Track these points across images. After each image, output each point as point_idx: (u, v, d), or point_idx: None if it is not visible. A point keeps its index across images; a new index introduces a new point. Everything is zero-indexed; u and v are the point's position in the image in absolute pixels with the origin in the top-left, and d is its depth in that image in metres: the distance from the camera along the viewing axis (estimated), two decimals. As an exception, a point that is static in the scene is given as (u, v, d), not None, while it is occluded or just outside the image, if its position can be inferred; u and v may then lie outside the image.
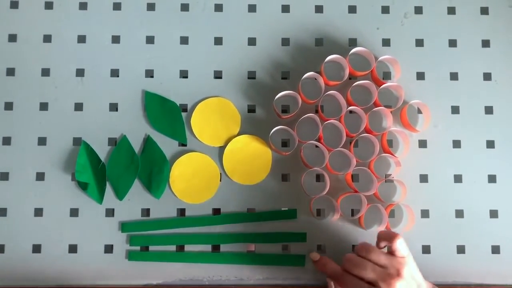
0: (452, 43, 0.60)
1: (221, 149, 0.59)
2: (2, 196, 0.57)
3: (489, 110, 0.60)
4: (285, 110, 0.60)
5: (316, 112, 0.59)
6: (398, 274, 0.48)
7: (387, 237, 0.51)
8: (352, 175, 0.57)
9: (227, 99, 0.59)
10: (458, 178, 0.59)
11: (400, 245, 0.50)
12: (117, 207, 0.58)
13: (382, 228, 0.57)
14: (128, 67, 0.60)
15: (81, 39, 0.60)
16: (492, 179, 0.59)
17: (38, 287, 0.56)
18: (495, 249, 0.58)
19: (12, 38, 0.60)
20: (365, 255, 0.50)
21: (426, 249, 0.58)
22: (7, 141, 0.58)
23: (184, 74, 0.60)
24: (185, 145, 0.59)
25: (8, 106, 0.59)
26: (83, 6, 0.60)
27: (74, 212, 0.58)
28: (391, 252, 0.50)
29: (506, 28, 0.61)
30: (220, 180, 0.58)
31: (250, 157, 0.58)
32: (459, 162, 0.59)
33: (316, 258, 0.55)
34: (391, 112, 0.58)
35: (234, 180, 0.58)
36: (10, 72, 0.59)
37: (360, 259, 0.50)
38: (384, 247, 0.52)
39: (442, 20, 0.61)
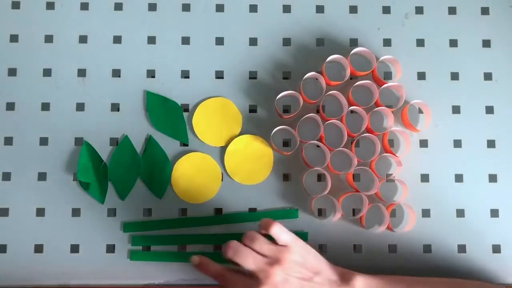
0: (453, 43, 0.61)
1: (223, 149, 0.59)
2: (4, 196, 0.58)
3: (489, 109, 0.60)
4: (286, 110, 0.60)
5: (317, 112, 0.59)
6: (277, 261, 0.46)
7: (264, 225, 0.48)
8: (353, 175, 0.58)
9: (228, 99, 0.59)
10: (459, 178, 0.59)
11: (278, 232, 0.48)
12: (119, 207, 0.58)
13: (383, 227, 0.57)
14: (130, 67, 0.60)
15: (83, 39, 0.60)
16: (493, 178, 0.59)
17: (40, 287, 0.57)
18: (496, 248, 0.58)
19: (14, 38, 0.60)
20: (249, 244, 0.48)
21: (427, 249, 0.58)
22: (9, 141, 0.58)
23: (185, 74, 0.60)
24: (187, 145, 0.59)
25: (10, 106, 0.59)
26: (84, 6, 0.60)
27: (76, 212, 0.58)
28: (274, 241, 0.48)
29: (506, 28, 0.61)
30: (222, 180, 0.58)
31: (251, 157, 0.58)
32: (460, 162, 0.59)
33: (196, 261, 0.51)
34: (392, 112, 0.58)
35: (236, 180, 0.58)
36: (12, 72, 0.59)
37: (243, 247, 0.48)
38: (265, 235, 0.49)
39: (443, 20, 0.61)
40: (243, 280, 0.47)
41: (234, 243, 0.48)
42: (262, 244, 0.48)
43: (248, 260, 0.47)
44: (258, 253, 0.47)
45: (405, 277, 0.52)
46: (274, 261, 0.46)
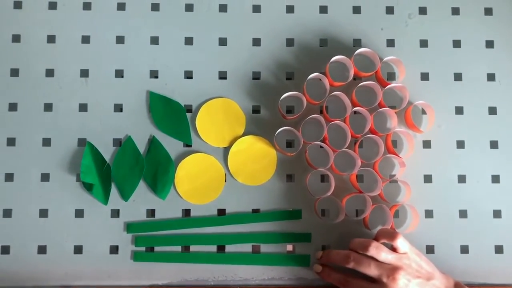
0: (456, 43, 0.61)
1: (226, 149, 0.59)
2: (7, 197, 0.57)
3: (492, 110, 0.60)
4: (289, 110, 0.60)
5: (321, 112, 0.59)
6: (400, 267, 0.51)
7: (389, 235, 0.53)
8: (356, 176, 0.58)
9: (231, 100, 0.59)
10: (462, 179, 0.59)
11: (401, 244, 0.52)
12: (122, 208, 0.58)
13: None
14: (133, 67, 0.59)
15: (85, 39, 0.60)
16: (495, 179, 0.59)
17: (43, 288, 0.57)
18: (499, 249, 0.58)
19: (16, 38, 0.59)
20: (364, 251, 0.52)
21: (430, 249, 0.58)
22: (11, 142, 0.58)
23: (188, 75, 0.60)
24: (190, 146, 0.59)
25: (13, 107, 0.58)
26: (87, 6, 0.60)
27: (79, 213, 0.58)
28: (391, 249, 0.53)
29: (510, 29, 0.61)
30: (225, 181, 0.58)
31: (255, 158, 0.58)
32: (463, 163, 0.59)
33: (319, 270, 0.56)
34: (395, 112, 0.58)
35: (239, 180, 0.58)
36: (14, 72, 0.59)
37: (363, 257, 0.52)
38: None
39: (446, 20, 0.61)
40: (367, 285, 0.52)
41: (353, 254, 0.52)
42: (387, 254, 0.52)
43: (371, 267, 0.51)
44: (378, 261, 0.52)
45: None
46: (397, 267, 0.51)
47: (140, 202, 0.58)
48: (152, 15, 0.60)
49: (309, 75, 0.57)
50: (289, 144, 0.59)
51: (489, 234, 0.58)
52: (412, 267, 0.52)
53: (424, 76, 0.60)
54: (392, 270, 0.51)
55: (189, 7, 0.60)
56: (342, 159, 0.58)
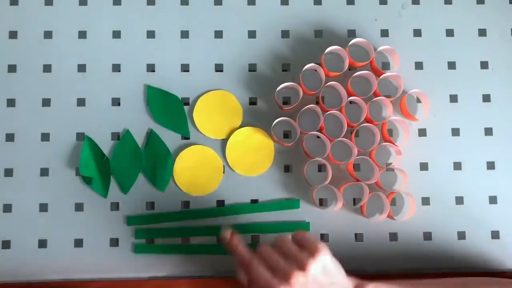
0: (449, 32, 0.61)
1: (224, 141, 0.59)
2: (7, 192, 0.58)
3: (486, 98, 0.60)
4: (286, 101, 0.60)
5: (317, 103, 0.60)
6: (301, 266, 0.45)
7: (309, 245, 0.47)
8: (353, 165, 0.58)
9: (228, 92, 0.60)
10: (457, 166, 0.60)
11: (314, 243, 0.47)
12: (121, 201, 0.58)
13: (384, 216, 0.57)
14: (130, 62, 0.60)
15: (82, 34, 0.60)
16: (490, 165, 0.60)
17: (44, 282, 0.57)
18: (495, 234, 0.59)
19: (13, 34, 0.60)
20: (279, 245, 0.48)
21: (427, 236, 0.59)
22: (10, 137, 0.58)
23: (185, 68, 0.60)
24: (188, 138, 0.59)
25: (11, 102, 0.59)
26: (83, 1, 0.60)
27: (79, 207, 0.58)
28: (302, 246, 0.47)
29: (501, 17, 0.62)
30: (224, 172, 0.59)
31: (252, 149, 0.59)
32: (458, 150, 0.60)
33: (228, 235, 0.50)
34: (390, 101, 0.59)
35: (237, 172, 0.59)
36: (12, 69, 0.59)
37: (270, 249, 0.48)
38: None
39: (439, 10, 0.62)
40: (266, 275, 0.46)
41: (264, 247, 0.48)
42: (290, 247, 0.47)
43: (272, 257, 0.47)
44: (286, 255, 0.47)
45: (415, 281, 0.53)
46: (298, 266, 0.46)
47: (140, 195, 0.58)
48: (148, 9, 0.61)
49: (305, 66, 0.58)
50: (286, 135, 0.60)
51: (486, 220, 0.59)
52: (316, 270, 0.45)
53: (418, 65, 0.61)
54: (292, 266, 0.45)
55: (184, 1, 0.61)
56: (339, 149, 0.59)
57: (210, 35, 0.60)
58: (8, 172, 0.58)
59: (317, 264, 0.46)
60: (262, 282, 0.46)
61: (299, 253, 0.47)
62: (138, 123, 0.59)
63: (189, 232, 0.58)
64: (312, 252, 0.46)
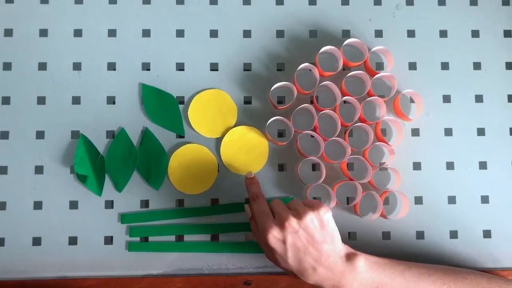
0: (443, 33, 0.62)
1: (218, 140, 0.59)
2: (1, 190, 0.58)
3: (479, 98, 0.61)
4: (280, 101, 0.61)
5: (311, 102, 0.60)
6: (298, 215, 0.49)
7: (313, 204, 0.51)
8: (347, 164, 0.59)
9: (223, 91, 0.60)
10: (450, 165, 0.60)
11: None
12: (116, 199, 0.58)
13: (377, 215, 0.58)
14: (125, 60, 0.60)
15: (78, 33, 0.60)
16: (483, 165, 0.60)
17: (38, 279, 0.57)
18: (487, 234, 0.59)
19: (8, 32, 0.60)
20: (290, 202, 0.52)
21: (420, 235, 0.59)
22: (5, 135, 0.58)
23: (180, 67, 0.60)
24: (183, 137, 0.60)
25: (6, 100, 0.59)
26: (79, 0, 0.60)
27: (73, 205, 0.58)
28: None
29: (494, 19, 0.62)
30: (218, 171, 0.59)
31: (247, 148, 0.59)
32: (451, 150, 0.60)
33: (251, 176, 0.56)
34: (384, 101, 0.59)
35: (232, 170, 0.59)
36: (7, 66, 0.59)
37: (281, 201, 0.52)
38: None
39: (432, 11, 0.62)
40: (267, 213, 0.51)
41: (276, 199, 0.53)
42: (299, 203, 0.51)
43: (278, 206, 0.51)
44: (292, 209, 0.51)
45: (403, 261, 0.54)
46: (296, 214, 0.50)
47: (134, 193, 0.59)
48: (143, 8, 0.61)
49: (299, 65, 0.58)
50: (281, 134, 0.60)
51: (478, 219, 0.60)
52: (313, 222, 0.49)
53: (412, 66, 0.61)
54: (290, 213, 0.50)
55: (180, 0, 0.61)
56: (333, 148, 0.59)
57: (205, 34, 0.61)
58: (3, 170, 0.58)
59: (315, 217, 0.49)
60: (262, 218, 0.50)
61: (302, 206, 0.50)
62: (133, 121, 0.59)
63: (183, 230, 0.58)
64: (314, 207, 0.50)
